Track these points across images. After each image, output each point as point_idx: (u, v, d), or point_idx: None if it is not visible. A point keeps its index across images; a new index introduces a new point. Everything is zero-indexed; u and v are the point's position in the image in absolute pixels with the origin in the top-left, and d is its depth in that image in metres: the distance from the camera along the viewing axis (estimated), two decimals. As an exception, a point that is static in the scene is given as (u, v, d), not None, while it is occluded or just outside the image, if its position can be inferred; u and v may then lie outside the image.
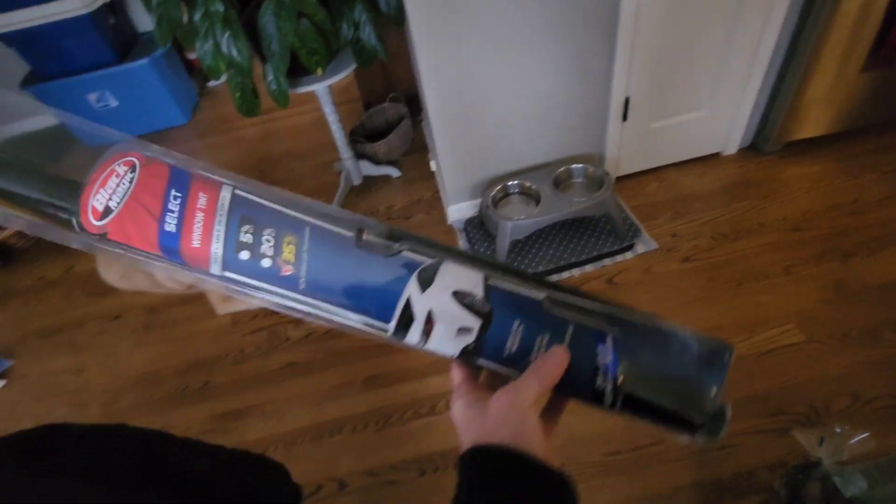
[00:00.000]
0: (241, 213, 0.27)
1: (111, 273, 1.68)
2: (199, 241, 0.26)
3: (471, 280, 0.30)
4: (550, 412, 0.36)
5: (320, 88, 1.65)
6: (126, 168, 0.25)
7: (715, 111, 1.66)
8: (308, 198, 0.30)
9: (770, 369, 1.24)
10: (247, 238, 0.27)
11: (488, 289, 0.30)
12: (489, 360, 0.32)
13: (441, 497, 1.16)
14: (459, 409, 0.33)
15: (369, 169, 2.06)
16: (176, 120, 2.71)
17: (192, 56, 2.92)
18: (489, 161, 1.68)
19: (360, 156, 2.06)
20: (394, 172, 2.07)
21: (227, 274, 0.27)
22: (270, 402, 1.41)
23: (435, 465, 1.21)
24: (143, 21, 2.72)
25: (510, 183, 1.63)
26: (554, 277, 1.55)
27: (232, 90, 1.40)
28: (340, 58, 1.63)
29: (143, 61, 2.42)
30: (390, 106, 2.24)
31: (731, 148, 1.79)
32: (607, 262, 1.57)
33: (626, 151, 1.71)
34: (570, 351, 0.31)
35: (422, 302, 0.29)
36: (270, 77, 1.40)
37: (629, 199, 1.74)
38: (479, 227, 1.72)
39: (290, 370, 1.48)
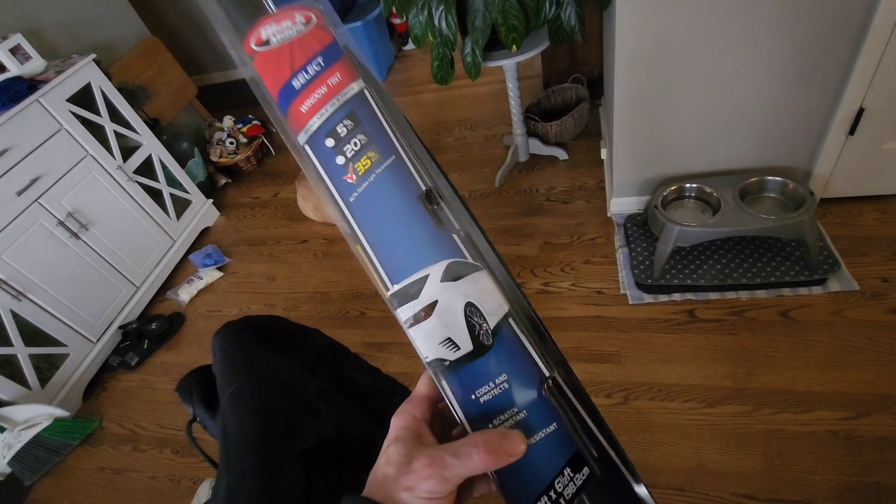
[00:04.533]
0: (353, 107, 0.27)
1: (307, 205, 2.08)
2: (306, 108, 0.27)
3: (493, 304, 0.27)
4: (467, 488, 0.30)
5: (509, 64, 1.70)
6: (303, 20, 0.27)
7: None
8: (424, 147, 0.30)
9: None
10: (342, 130, 0.27)
11: (503, 325, 0.27)
12: (452, 392, 0.28)
13: None
14: (396, 425, 0.29)
15: (538, 147, 2.07)
16: (373, 78, 3.03)
17: (396, 21, 3.20)
18: (668, 158, 1.57)
19: (530, 133, 2.09)
20: (561, 154, 2.06)
21: (307, 148, 0.27)
22: (411, 345, 1.58)
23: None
24: (362, -14, 3.05)
25: (687, 185, 1.52)
26: (715, 296, 1.43)
27: (432, 58, 1.52)
28: (534, 36, 1.65)
29: (358, 23, 2.73)
30: (570, 87, 2.20)
31: None
32: (787, 291, 1.38)
33: (842, 171, 1.46)
34: (534, 451, 0.26)
35: (434, 289, 0.27)
36: (468, 50, 1.49)
37: (832, 227, 1.49)
38: (642, 225, 1.64)
39: (432, 320, 1.63)
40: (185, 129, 2.69)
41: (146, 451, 1.56)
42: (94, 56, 1.89)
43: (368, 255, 0.28)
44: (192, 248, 2.26)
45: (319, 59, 0.27)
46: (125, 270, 1.95)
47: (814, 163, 1.47)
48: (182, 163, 2.31)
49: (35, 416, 1.59)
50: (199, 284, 2.04)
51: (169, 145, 2.25)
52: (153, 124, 2.26)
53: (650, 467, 1.15)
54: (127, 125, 2.03)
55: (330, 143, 0.27)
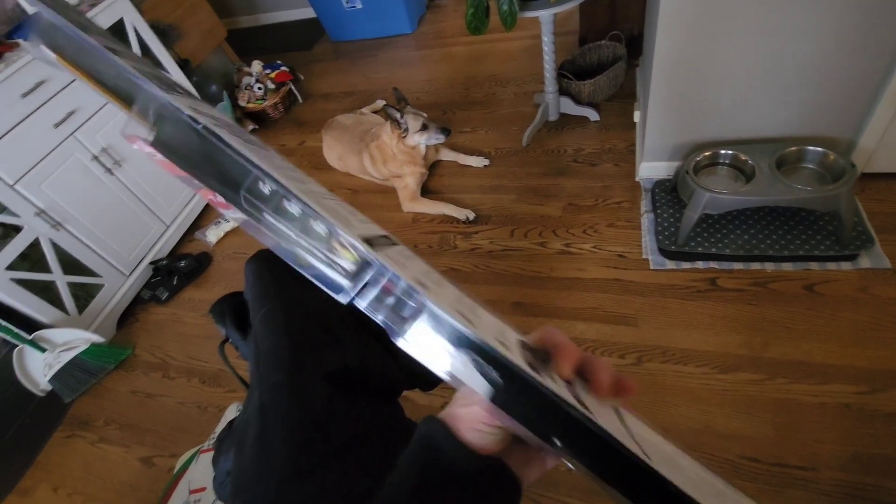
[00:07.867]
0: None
1: (331, 154, 2.10)
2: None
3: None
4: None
5: (546, 16, 1.64)
6: None
7: None
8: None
9: None
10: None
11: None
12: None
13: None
14: None
15: (569, 107, 2.02)
16: (403, 28, 2.96)
17: (429, -32, 3.08)
18: (704, 124, 1.52)
19: (562, 92, 2.03)
20: (592, 115, 2.00)
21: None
22: (429, 295, 1.61)
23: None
24: (397, -71, 2.92)
25: (722, 151, 1.47)
26: (739, 266, 1.41)
27: (467, 6, 1.48)
28: (575, -15, 1.58)
29: (390, -31, 2.64)
30: (608, 44, 2.12)
31: None
32: (814, 265, 1.36)
33: (888, 144, 1.40)
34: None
35: None
36: (505, -3, 1.44)
37: (870, 203, 1.44)
38: (670, 192, 1.61)
39: (451, 273, 1.65)
40: (213, 73, 2.68)
41: (175, 379, 1.65)
42: (126, -10, 1.88)
43: None
44: (220, 191, 2.29)
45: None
46: (156, 208, 2.00)
47: (859, 134, 1.40)
48: (211, 106, 2.32)
49: (73, 339, 1.68)
50: (225, 227, 2.09)
51: (198, 87, 2.26)
52: (183, 65, 2.26)
53: (659, 425, 1.18)
54: (158, 64, 2.04)
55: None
